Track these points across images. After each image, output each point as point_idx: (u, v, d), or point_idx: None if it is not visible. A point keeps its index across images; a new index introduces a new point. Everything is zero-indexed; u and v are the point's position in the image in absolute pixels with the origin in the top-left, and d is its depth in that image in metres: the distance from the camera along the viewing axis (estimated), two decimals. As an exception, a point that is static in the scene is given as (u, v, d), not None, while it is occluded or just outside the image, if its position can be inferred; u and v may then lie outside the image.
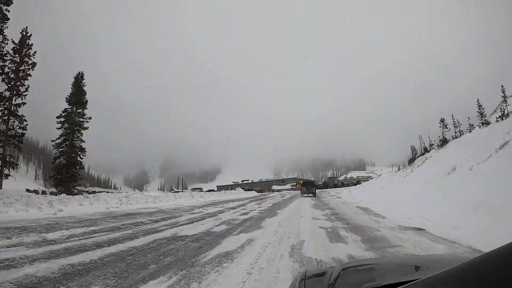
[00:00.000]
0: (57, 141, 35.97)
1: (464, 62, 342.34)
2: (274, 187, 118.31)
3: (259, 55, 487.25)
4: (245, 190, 73.94)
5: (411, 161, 40.03)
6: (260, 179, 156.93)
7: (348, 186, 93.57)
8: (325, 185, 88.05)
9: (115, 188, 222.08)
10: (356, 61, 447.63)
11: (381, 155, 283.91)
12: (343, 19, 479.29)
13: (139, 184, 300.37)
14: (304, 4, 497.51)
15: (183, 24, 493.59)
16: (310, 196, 37.89)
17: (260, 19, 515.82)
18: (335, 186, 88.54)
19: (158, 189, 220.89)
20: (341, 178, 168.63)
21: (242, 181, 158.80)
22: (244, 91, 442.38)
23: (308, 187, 41.56)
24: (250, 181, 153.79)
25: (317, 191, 45.62)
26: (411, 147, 45.68)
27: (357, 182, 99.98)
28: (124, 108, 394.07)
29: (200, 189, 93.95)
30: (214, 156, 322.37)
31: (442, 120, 33.47)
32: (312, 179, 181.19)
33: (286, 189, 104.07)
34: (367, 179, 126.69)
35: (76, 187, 35.39)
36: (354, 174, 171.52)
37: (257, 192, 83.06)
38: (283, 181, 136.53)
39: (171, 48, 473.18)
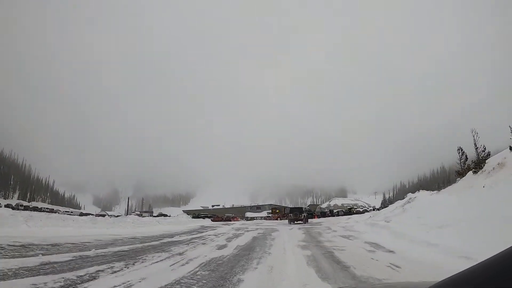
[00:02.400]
0: None
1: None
2: (248, 214, 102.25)
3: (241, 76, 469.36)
4: (194, 217, 53.57)
5: (479, 164, 19.69)
6: (233, 205, 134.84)
7: (338, 214, 71.93)
8: (310, 214, 64.99)
9: (79, 207, 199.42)
10: (334, 86, 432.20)
11: (362, 184, 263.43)
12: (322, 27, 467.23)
13: (108, 204, 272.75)
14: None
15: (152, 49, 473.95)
16: (299, 224, 32.67)
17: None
18: (323, 214, 66.00)
19: (124, 211, 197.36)
20: (324, 205, 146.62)
21: (213, 206, 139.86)
22: (222, 116, 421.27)
23: (296, 213, 36.74)
24: (221, 207, 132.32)
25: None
26: (458, 149, 27.53)
27: (350, 209, 78.79)
28: (99, 123, 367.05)
29: (151, 213, 76.38)
30: (189, 180, 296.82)
31: None
32: (291, 205, 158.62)
33: (261, 217, 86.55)
34: (352, 206, 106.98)
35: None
36: (339, 202, 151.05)
37: (217, 220, 63.03)
38: (258, 208, 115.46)
39: (150, 67, 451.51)
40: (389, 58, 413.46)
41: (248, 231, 21.81)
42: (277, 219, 54.92)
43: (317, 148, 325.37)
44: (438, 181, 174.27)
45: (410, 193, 37.03)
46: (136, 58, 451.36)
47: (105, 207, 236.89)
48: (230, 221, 72.03)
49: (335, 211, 76.94)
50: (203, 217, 57.04)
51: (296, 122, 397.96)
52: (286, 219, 63.93)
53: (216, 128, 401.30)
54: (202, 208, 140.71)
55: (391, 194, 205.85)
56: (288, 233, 18.98)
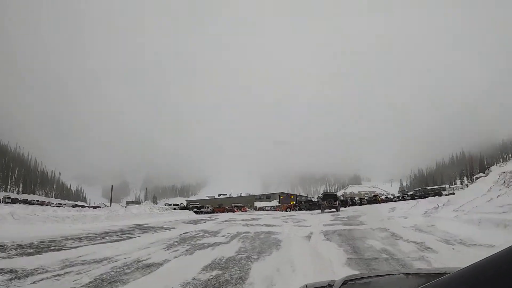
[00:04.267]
0: None
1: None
2: (257, 203, 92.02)
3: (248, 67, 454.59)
4: (183, 209, 40.64)
5: None
6: (240, 194, 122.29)
7: (361, 203, 58.85)
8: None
9: (84, 199, 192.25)
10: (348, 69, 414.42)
11: (376, 172, 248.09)
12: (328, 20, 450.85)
13: (117, 196, 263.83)
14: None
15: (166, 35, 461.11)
16: (332, 211, 30.06)
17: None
18: (344, 203, 52.11)
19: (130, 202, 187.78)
20: (339, 193, 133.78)
21: (219, 195, 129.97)
22: (234, 106, 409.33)
23: (330, 200, 32.58)
24: (228, 196, 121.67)
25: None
26: None
27: (374, 197, 65.50)
28: (109, 115, 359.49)
29: (138, 203, 65.37)
30: (200, 171, 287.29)
31: None
32: (303, 194, 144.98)
33: (271, 207, 76.91)
34: (370, 194, 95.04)
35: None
36: (355, 189, 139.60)
37: (219, 211, 55.68)
38: (268, 197, 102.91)
39: (158, 62, 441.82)
40: (407, 44, 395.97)
41: (201, 248, 8.66)
42: (286, 210, 41.01)
43: (329, 136, 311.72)
44: (460, 166, 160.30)
45: (494, 166, 23.90)
46: (144, 56, 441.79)
47: (115, 200, 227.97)
48: (234, 212, 61.15)
49: (356, 199, 63.86)
50: (190, 209, 44.08)
51: (308, 109, 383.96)
52: (298, 209, 51.27)
53: (227, 117, 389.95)
54: (208, 198, 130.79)
55: (408, 181, 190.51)
56: (302, 262, 5.78)
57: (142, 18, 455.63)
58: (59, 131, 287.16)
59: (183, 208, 43.27)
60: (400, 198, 74.47)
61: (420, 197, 65.51)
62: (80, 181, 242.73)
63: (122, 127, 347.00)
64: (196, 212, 42.64)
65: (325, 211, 31.70)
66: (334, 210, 31.65)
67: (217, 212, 63.02)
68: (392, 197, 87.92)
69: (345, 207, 47.92)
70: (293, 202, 50.63)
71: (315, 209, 37.64)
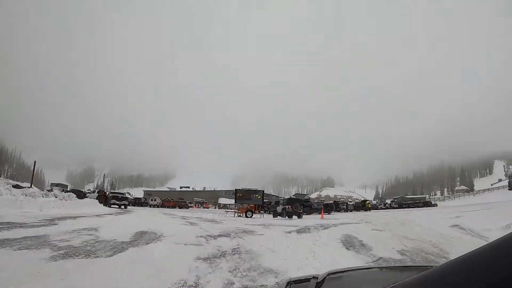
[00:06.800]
0: None
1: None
2: (222, 200, 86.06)
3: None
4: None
5: None
6: (204, 188, 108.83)
7: (347, 209, 46.23)
8: (307, 206, 36.34)
9: (42, 182, 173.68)
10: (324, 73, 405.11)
11: (349, 177, 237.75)
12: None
13: (81, 181, 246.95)
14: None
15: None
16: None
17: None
18: (329, 208, 38.20)
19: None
20: (313, 196, 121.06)
21: (181, 187, 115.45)
22: (209, 98, 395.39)
23: (296, 205, 25.62)
24: (191, 189, 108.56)
25: None
26: None
27: (363, 202, 52.53)
28: (81, 100, 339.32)
29: (65, 188, 51.45)
30: (169, 162, 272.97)
31: None
32: (274, 194, 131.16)
33: (234, 206, 61.59)
34: (346, 198, 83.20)
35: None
36: (330, 192, 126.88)
37: (169, 205, 52.24)
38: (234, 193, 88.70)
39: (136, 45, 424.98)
40: (385, 48, 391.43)
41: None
42: (246, 214, 25.80)
43: (302, 137, 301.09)
44: (440, 177, 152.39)
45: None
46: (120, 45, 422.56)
47: (76, 184, 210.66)
48: (187, 208, 54.54)
49: (340, 203, 50.18)
50: (110, 199, 29.88)
51: (282, 108, 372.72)
52: (266, 212, 36.91)
53: (200, 109, 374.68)
54: (168, 190, 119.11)
55: (384, 189, 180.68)
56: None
57: (141, 16, 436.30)
58: (27, 113, 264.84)
59: (102, 197, 28.88)
60: (387, 206, 63.09)
61: (408, 206, 55.11)
62: (44, 164, 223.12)
63: (93, 113, 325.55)
64: (118, 205, 29.05)
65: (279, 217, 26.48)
66: (296, 216, 25.23)
67: (166, 207, 50.66)
68: (374, 203, 77.82)
69: (329, 213, 34.28)
70: (259, 197, 29.43)
71: (282, 216, 24.41)
